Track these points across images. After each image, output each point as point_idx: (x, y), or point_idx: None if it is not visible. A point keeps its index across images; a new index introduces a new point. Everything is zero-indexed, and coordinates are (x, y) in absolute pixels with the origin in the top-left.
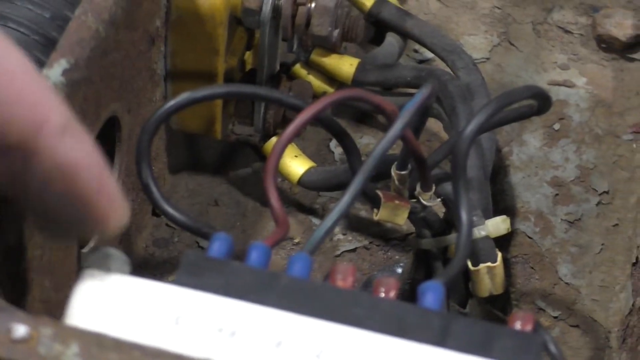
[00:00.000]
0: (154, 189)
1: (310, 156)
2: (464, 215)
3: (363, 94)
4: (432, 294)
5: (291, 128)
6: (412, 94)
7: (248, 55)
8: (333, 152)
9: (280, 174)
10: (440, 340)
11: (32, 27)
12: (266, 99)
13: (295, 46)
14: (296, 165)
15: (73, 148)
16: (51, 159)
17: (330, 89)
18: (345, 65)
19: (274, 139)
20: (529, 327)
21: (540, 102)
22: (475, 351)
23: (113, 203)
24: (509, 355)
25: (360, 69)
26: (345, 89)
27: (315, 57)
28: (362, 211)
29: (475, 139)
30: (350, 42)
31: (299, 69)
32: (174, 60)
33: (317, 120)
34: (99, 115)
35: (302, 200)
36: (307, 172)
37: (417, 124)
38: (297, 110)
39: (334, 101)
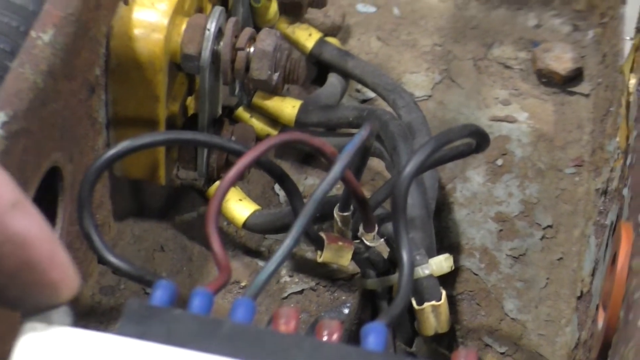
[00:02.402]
0: (96, 238)
1: (255, 199)
2: (404, 255)
3: (302, 137)
4: (374, 335)
5: (231, 173)
6: (354, 134)
7: (190, 101)
8: (278, 195)
9: (226, 218)
10: None
11: None
12: (206, 144)
13: (237, 90)
14: (241, 208)
15: (23, 221)
16: (3, 232)
17: (273, 132)
18: (288, 107)
19: (217, 183)
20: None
21: (478, 140)
22: None
23: (65, 272)
24: None
25: (302, 110)
26: (286, 133)
27: (257, 100)
28: (308, 252)
29: (414, 179)
30: (292, 84)
31: (241, 112)
32: (115, 108)
33: (258, 165)
34: (40, 165)
35: (248, 243)
36: (252, 216)
37: (358, 164)
38: (238, 155)
39: (273, 145)
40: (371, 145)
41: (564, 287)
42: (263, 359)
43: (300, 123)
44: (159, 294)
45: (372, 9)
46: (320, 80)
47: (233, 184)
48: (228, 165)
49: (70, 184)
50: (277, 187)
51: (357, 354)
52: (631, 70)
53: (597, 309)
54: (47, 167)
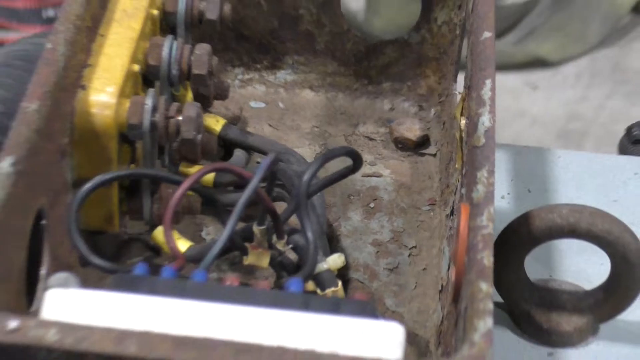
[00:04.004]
0: (82, 246)
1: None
2: (309, 234)
3: (228, 166)
4: (294, 284)
5: (178, 192)
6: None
7: (132, 167)
8: (205, 239)
9: (166, 253)
10: (304, 307)
11: None
12: (155, 176)
13: (167, 161)
14: (180, 244)
15: None
16: None
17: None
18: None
19: (160, 228)
20: (364, 298)
21: (354, 159)
22: (329, 312)
23: None
24: (353, 311)
25: (217, 175)
26: (215, 163)
27: (182, 168)
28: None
29: (309, 202)
30: (205, 158)
31: None
32: (79, 171)
33: (194, 190)
34: (33, 205)
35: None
36: (189, 249)
37: (268, 188)
38: (179, 183)
39: (206, 171)
40: (275, 170)
41: (429, 288)
42: (218, 299)
43: (217, 183)
44: (139, 269)
45: (262, 104)
46: (227, 156)
47: (181, 197)
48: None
49: (52, 227)
50: (203, 233)
51: (282, 294)
52: (461, 114)
53: (448, 270)
54: (38, 207)
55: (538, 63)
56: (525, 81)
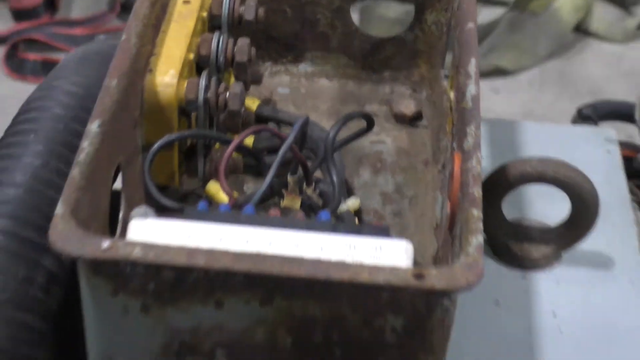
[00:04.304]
0: (154, 190)
1: None
2: (334, 178)
3: (267, 127)
4: (324, 215)
5: (230, 146)
6: None
7: (190, 140)
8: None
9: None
10: (332, 231)
11: (66, 115)
12: (212, 136)
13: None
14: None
15: None
16: None
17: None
18: (249, 139)
19: (212, 182)
20: (380, 224)
21: (368, 120)
22: (354, 233)
23: None
24: (372, 233)
25: (256, 141)
26: (257, 125)
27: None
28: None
29: (335, 138)
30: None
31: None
32: (147, 138)
33: (239, 150)
34: (114, 161)
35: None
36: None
37: (300, 143)
38: (229, 143)
39: (249, 133)
40: (306, 130)
41: (426, 228)
42: (266, 226)
43: (255, 148)
44: (201, 206)
45: (287, 90)
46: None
47: (233, 150)
48: (216, 171)
49: (127, 181)
50: (245, 187)
51: (315, 222)
52: (451, 88)
53: (441, 212)
54: (117, 163)
55: (499, 72)
56: (489, 87)
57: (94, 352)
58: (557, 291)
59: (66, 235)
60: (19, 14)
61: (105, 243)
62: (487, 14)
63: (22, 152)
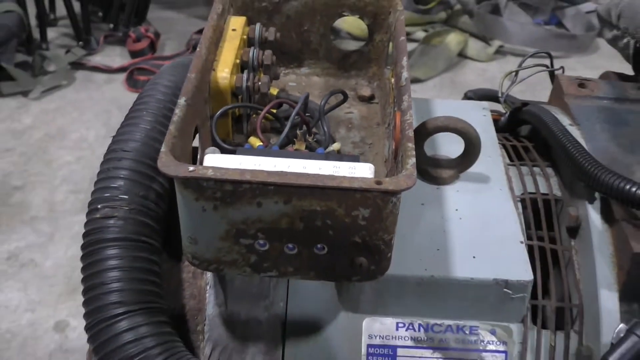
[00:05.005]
0: (218, 138)
1: None
2: (325, 129)
3: (285, 100)
4: (320, 150)
5: (263, 111)
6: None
7: (238, 110)
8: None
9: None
10: (325, 159)
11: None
12: (252, 106)
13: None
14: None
15: None
16: None
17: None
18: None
19: (252, 137)
20: (354, 155)
21: (343, 94)
22: (337, 160)
23: None
24: (349, 160)
25: (278, 111)
26: (278, 99)
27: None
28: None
29: (324, 106)
30: None
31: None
32: (213, 109)
33: (269, 113)
34: (194, 123)
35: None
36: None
37: (303, 111)
38: (261, 111)
39: (275, 102)
40: (307, 103)
41: (379, 162)
42: (286, 157)
43: (278, 115)
44: (246, 147)
45: (294, 84)
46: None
47: (264, 115)
48: (254, 129)
49: (202, 136)
50: (272, 141)
51: (315, 154)
52: (392, 76)
53: (388, 150)
54: (195, 124)
55: (415, 80)
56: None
57: (186, 236)
58: (458, 196)
59: (167, 163)
60: (134, 54)
61: (191, 168)
62: (408, 46)
63: (139, 121)
